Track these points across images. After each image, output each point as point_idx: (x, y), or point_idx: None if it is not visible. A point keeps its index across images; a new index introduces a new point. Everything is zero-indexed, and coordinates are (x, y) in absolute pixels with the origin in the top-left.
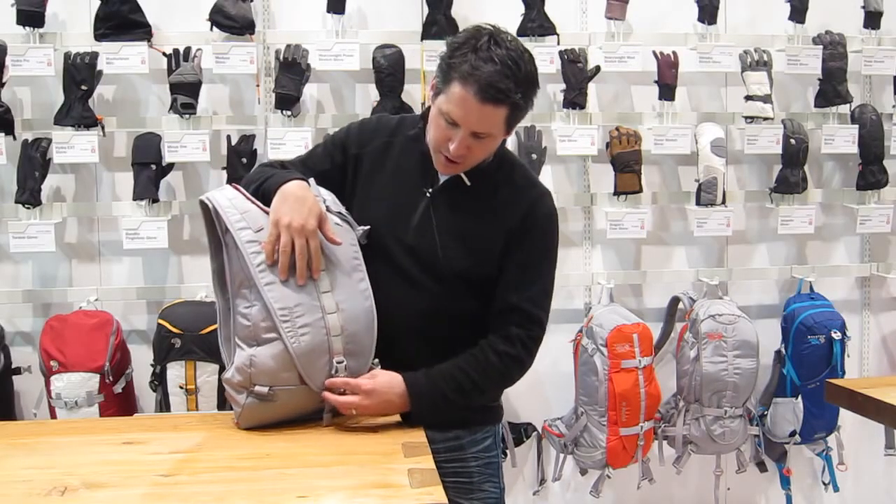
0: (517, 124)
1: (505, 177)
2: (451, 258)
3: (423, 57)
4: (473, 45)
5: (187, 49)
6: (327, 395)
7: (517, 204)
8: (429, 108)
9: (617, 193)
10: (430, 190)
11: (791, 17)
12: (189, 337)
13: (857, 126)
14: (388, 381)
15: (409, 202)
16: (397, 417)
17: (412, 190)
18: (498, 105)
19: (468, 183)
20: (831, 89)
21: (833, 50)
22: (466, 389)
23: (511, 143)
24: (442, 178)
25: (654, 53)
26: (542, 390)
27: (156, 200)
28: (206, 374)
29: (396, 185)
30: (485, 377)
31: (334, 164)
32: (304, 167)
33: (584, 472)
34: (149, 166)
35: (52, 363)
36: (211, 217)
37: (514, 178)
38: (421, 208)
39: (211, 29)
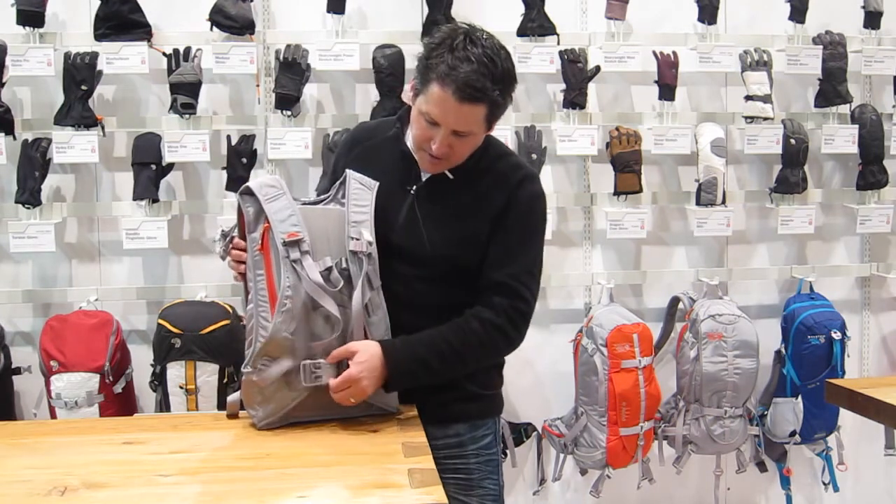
0: (497, 120)
1: (488, 165)
2: (438, 246)
3: None
4: (450, 45)
5: (187, 49)
6: (334, 394)
7: (501, 188)
8: (407, 108)
9: (617, 193)
10: (414, 188)
11: (791, 17)
12: (189, 337)
13: (857, 126)
14: (367, 358)
15: (394, 202)
16: (397, 417)
17: (396, 190)
18: (476, 104)
19: (451, 177)
20: (831, 89)
21: (833, 50)
22: (446, 355)
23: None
24: (424, 175)
25: (654, 53)
26: (542, 390)
27: (156, 200)
28: (206, 374)
29: (380, 188)
30: (465, 344)
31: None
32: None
33: (584, 472)
34: (149, 166)
35: (52, 363)
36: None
37: (497, 166)
38: (406, 206)
39: (211, 29)
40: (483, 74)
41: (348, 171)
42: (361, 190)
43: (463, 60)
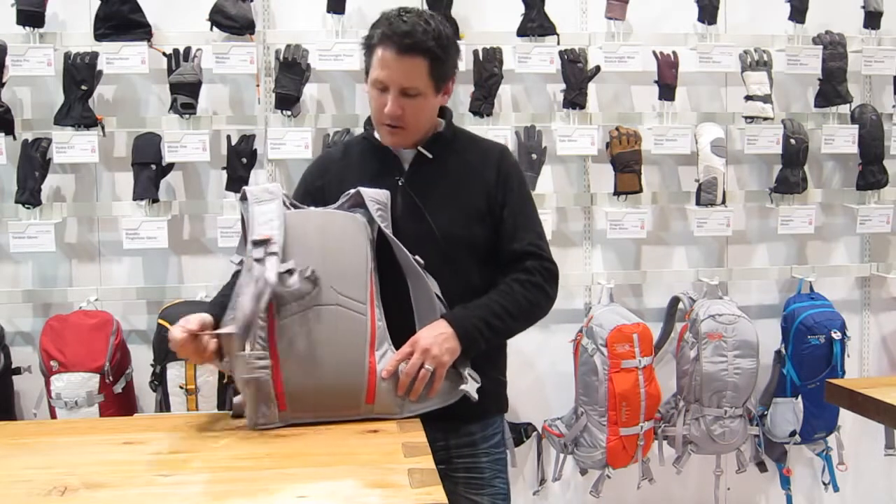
0: (445, 82)
1: (463, 145)
2: (446, 227)
3: None
4: (386, 18)
5: (187, 49)
6: (400, 376)
7: (486, 162)
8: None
9: (617, 193)
10: (401, 178)
11: (791, 17)
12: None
13: (857, 126)
14: (431, 327)
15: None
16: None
17: (384, 185)
18: (415, 55)
19: (430, 156)
20: (831, 89)
21: (833, 50)
22: (500, 315)
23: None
24: (406, 164)
25: (654, 53)
26: (542, 390)
27: (156, 200)
28: (206, 374)
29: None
30: (513, 303)
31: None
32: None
33: (584, 472)
34: (149, 166)
35: (52, 363)
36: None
37: (472, 144)
38: (400, 196)
39: (211, 29)
40: (418, 30)
41: (361, 189)
42: (382, 209)
43: (399, 23)
